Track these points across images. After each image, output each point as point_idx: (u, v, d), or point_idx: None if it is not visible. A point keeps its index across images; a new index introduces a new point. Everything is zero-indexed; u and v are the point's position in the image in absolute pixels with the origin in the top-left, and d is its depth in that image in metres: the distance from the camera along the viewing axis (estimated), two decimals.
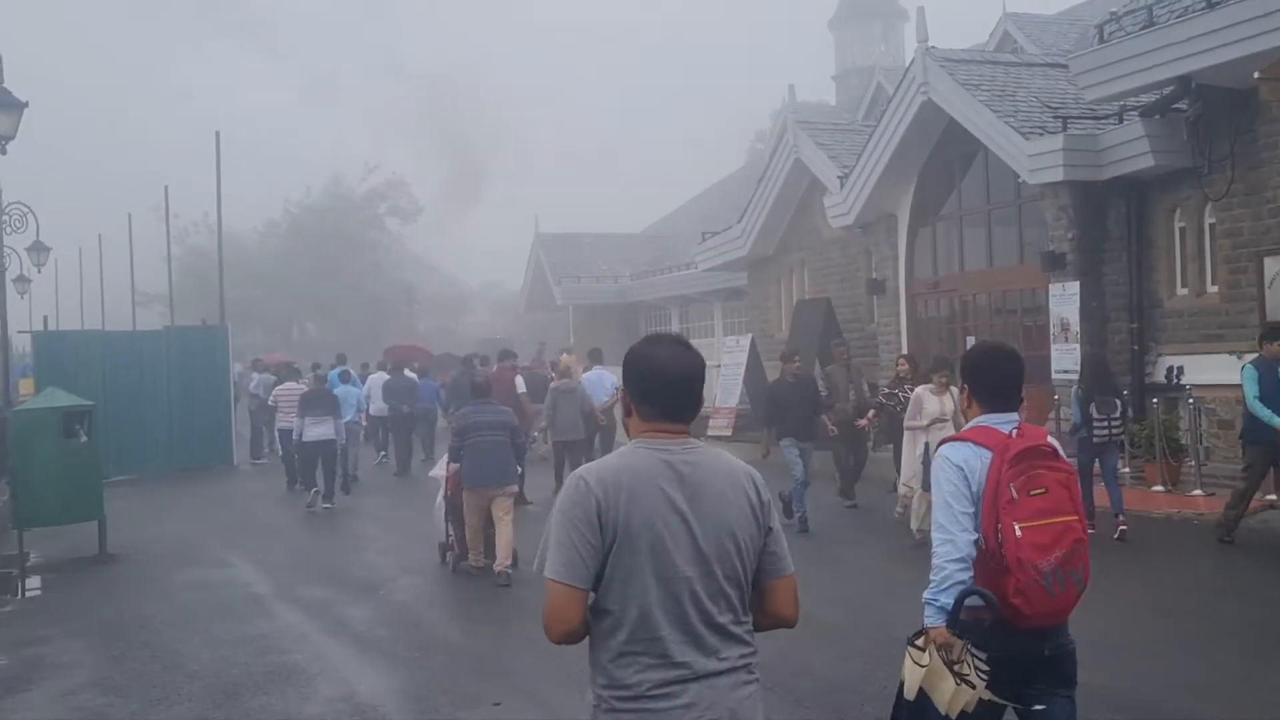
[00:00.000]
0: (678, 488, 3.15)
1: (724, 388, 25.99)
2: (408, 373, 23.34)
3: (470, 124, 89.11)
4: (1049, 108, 18.12)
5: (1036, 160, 16.78)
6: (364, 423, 21.96)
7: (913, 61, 19.60)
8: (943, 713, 3.94)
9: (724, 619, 3.15)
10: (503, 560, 10.92)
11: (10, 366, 25.56)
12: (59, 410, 13.43)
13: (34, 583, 12.19)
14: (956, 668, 3.93)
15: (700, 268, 29.93)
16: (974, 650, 3.98)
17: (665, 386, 3.27)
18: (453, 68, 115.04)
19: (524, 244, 44.39)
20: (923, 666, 3.99)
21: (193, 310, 61.71)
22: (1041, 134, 17.05)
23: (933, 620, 4.04)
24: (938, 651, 3.98)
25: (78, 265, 45.33)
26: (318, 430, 16.90)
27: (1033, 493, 4.00)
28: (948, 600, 4.01)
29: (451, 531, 11.57)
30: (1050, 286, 17.41)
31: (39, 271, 25.18)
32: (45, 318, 22.83)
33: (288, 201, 63.79)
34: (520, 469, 12.24)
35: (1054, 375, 17.13)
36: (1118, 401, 12.20)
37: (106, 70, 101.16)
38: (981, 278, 19.78)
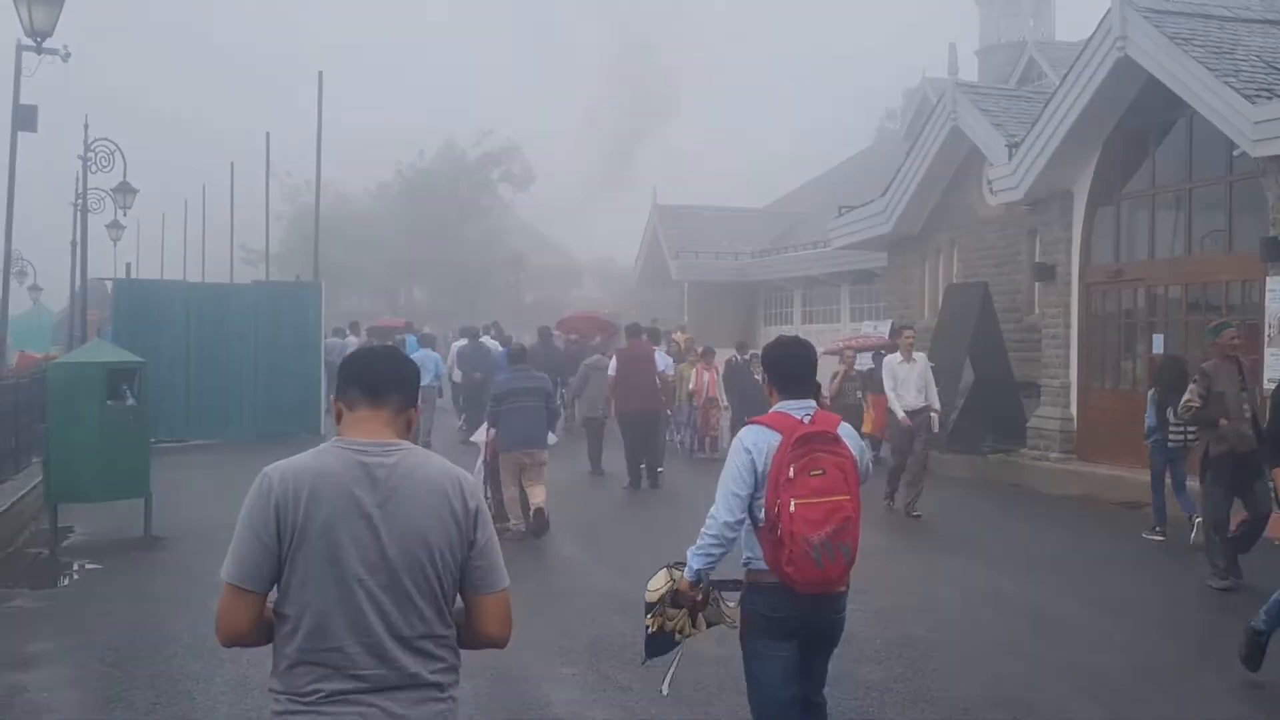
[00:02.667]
0: (369, 490, 3.07)
1: (824, 378, 23.51)
2: (486, 340, 22.26)
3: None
4: (1275, 69, 15.31)
5: (1264, 128, 14.01)
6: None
7: (1108, 12, 16.82)
8: (653, 628, 4.75)
9: (412, 631, 3.06)
10: (538, 504, 11.56)
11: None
12: (103, 366, 11.56)
13: (59, 570, 10.24)
14: (704, 611, 4.70)
15: (835, 245, 27.36)
16: (724, 601, 4.77)
17: (363, 371, 3.24)
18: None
19: (639, 218, 42.18)
20: (652, 590, 4.77)
21: (299, 270, 61.15)
22: (1270, 98, 14.27)
23: (688, 574, 4.65)
24: (680, 594, 4.67)
25: (183, 218, 44.07)
26: None
27: (812, 473, 4.36)
28: (696, 564, 4.61)
29: (490, 495, 11.56)
30: (1268, 280, 14.64)
31: (123, 215, 23.60)
32: (128, 265, 21.17)
33: (400, 163, 62.53)
34: (554, 436, 12.50)
35: (1266, 383, 14.36)
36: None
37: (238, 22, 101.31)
38: (1175, 267, 17.01)
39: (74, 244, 27.32)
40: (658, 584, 4.76)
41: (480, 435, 12.09)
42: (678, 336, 25.85)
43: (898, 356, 14.42)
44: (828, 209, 36.48)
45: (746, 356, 20.07)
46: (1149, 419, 12.60)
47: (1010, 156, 19.22)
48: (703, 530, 4.57)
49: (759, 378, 17.55)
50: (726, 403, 19.31)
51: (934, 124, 22.57)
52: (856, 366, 20.13)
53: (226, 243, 44.11)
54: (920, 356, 14.58)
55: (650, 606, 4.75)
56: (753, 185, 63.96)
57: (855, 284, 32.33)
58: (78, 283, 23.09)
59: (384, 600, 3.00)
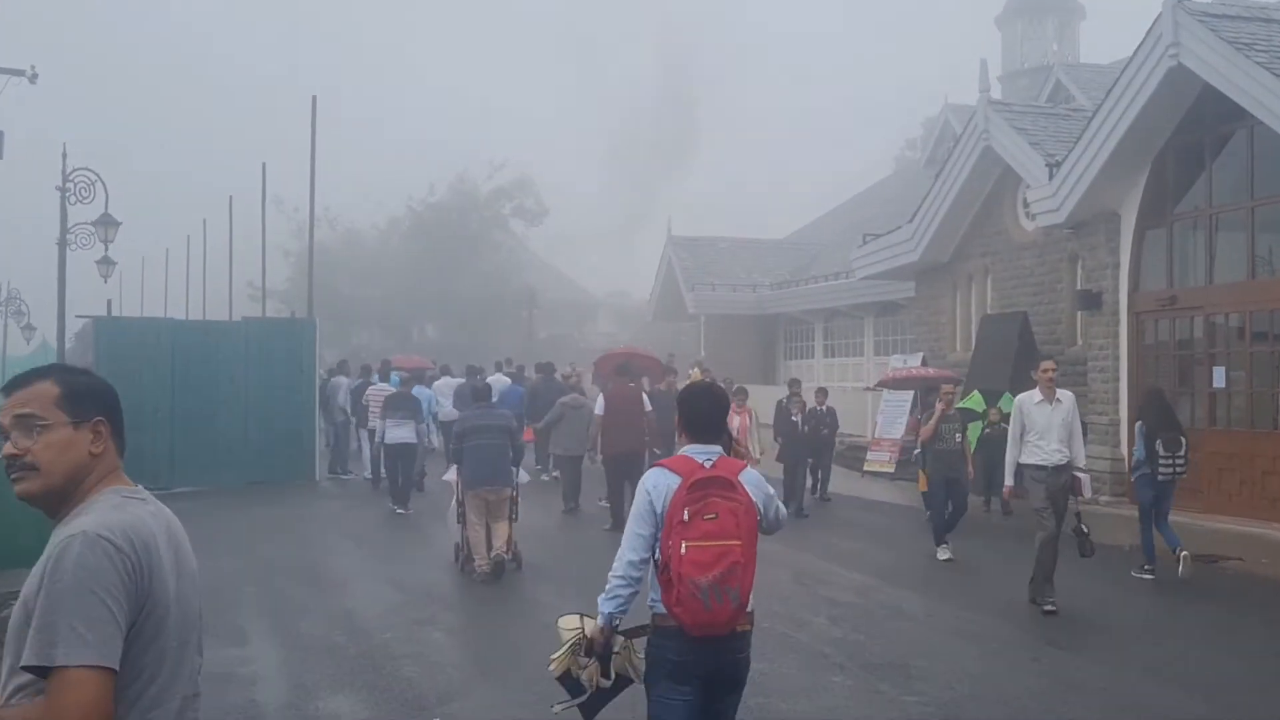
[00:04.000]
0: (168, 543, 2.84)
1: (886, 416, 22.08)
2: (497, 378, 21.87)
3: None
4: None
5: None
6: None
7: (1158, 18, 15.50)
8: (556, 672, 4.66)
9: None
10: (498, 548, 11.35)
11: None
12: None
13: None
14: (615, 657, 4.61)
15: (858, 275, 25.98)
16: (635, 652, 4.67)
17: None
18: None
19: (655, 250, 40.91)
20: (564, 633, 4.66)
21: (307, 307, 60.14)
22: None
23: (600, 620, 4.56)
24: (591, 641, 4.58)
25: (185, 253, 42.97)
26: (399, 433, 16.73)
27: (705, 517, 4.38)
28: (607, 609, 4.54)
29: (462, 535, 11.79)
30: None
31: (107, 248, 22.33)
32: (109, 301, 19.89)
33: (411, 198, 61.56)
34: (518, 472, 12.26)
35: None
36: (1183, 439, 11.87)
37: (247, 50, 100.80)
38: (1236, 292, 15.60)
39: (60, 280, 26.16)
40: (571, 624, 4.68)
41: (451, 474, 12.11)
42: (695, 373, 24.19)
43: (1035, 395, 10.58)
44: (848, 239, 35.20)
45: (824, 407, 18.29)
46: (1137, 452, 12.25)
47: (1051, 176, 17.88)
48: (609, 574, 4.56)
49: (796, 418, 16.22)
50: (756, 450, 16.13)
51: (964, 145, 21.23)
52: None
53: (234, 279, 42.91)
54: (1067, 396, 10.59)
55: (567, 647, 4.67)
56: (771, 217, 63.06)
57: (880, 316, 30.96)
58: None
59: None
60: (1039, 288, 20.31)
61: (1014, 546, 12.96)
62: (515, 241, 63.24)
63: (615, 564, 4.56)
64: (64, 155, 19.56)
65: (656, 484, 4.56)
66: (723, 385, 16.76)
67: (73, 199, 19.53)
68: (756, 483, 4.72)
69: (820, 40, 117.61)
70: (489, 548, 11.51)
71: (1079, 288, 18.57)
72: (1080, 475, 10.33)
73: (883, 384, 19.95)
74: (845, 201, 45.59)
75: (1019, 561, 11.62)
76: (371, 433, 19.00)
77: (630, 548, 4.54)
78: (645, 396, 16.59)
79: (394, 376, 19.96)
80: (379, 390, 19.21)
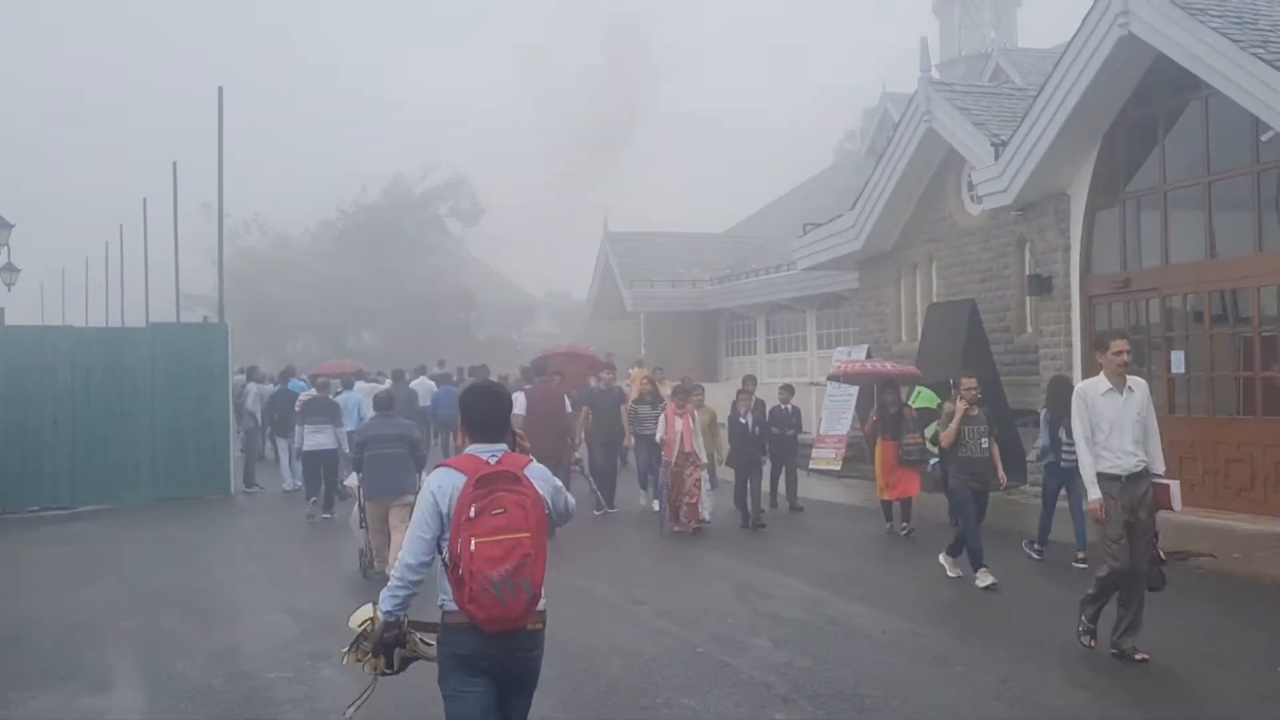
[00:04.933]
0: None
1: (831, 411, 21.21)
2: (423, 380, 21.75)
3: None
4: None
5: None
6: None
7: None
8: (348, 665, 4.74)
9: None
10: (392, 562, 10.35)
11: None
12: None
13: None
14: (398, 650, 4.66)
15: (800, 266, 25.09)
16: (425, 641, 4.69)
17: None
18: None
19: (594, 248, 39.84)
20: (353, 625, 4.65)
21: (240, 316, 58.47)
22: None
23: (380, 616, 4.60)
24: (376, 636, 4.60)
25: (103, 261, 41.30)
26: (317, 439, 16.30)
27: (493, 512, 4.41)
28: (386, 606, 4.60)
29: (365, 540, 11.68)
30: None
31: (8, 256, 20.97)
32: (2, 309, 18.51)
33: (342, 200, 60.11)
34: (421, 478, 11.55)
35: None
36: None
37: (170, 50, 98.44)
38: (1195, 272, 14.83)
39: None
40: (363, 615, 4.69)
41: (352, 480, 11.90)
42: (634, 372, 23.03)
43: (1100, 383, 8.27)
44: (789, 232, 34.32)
45: (789, 405, 16.41)
46: (1042, 439, 12.19)
47: (996, 156, 17.07)
48: (392, 573, 4.67)
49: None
50: (703, 454, 14.78)
51: (905, 128, 20.39)
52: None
53: (161, 287, 41.21)
54: (1140, 385, 8.34)
55: (353, 642, 4.70)
56: (709, 211, 62.29)
57: (822, 309, 30.13)
58: None
59: None
60: (986, 274, 19.52)
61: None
62: (452, 243, 62.01)
63: (399, 563, 4.63)
64: None
65: (441, 484, 4.58)
66: (678, 384, 16.26)
67: None
68: (543, 476, 4.78)
69: (755, 30, 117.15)
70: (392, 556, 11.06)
71: (1028, 272, 17.79)
72: (1165, 483, 8.11)
73: (834, 377, 18.46)
74: (785, 194, 44.79)
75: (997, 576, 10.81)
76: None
77: (410, 551, 4.58)
78: (566, 397, 15.81)
79: (296, 382, 18.90)
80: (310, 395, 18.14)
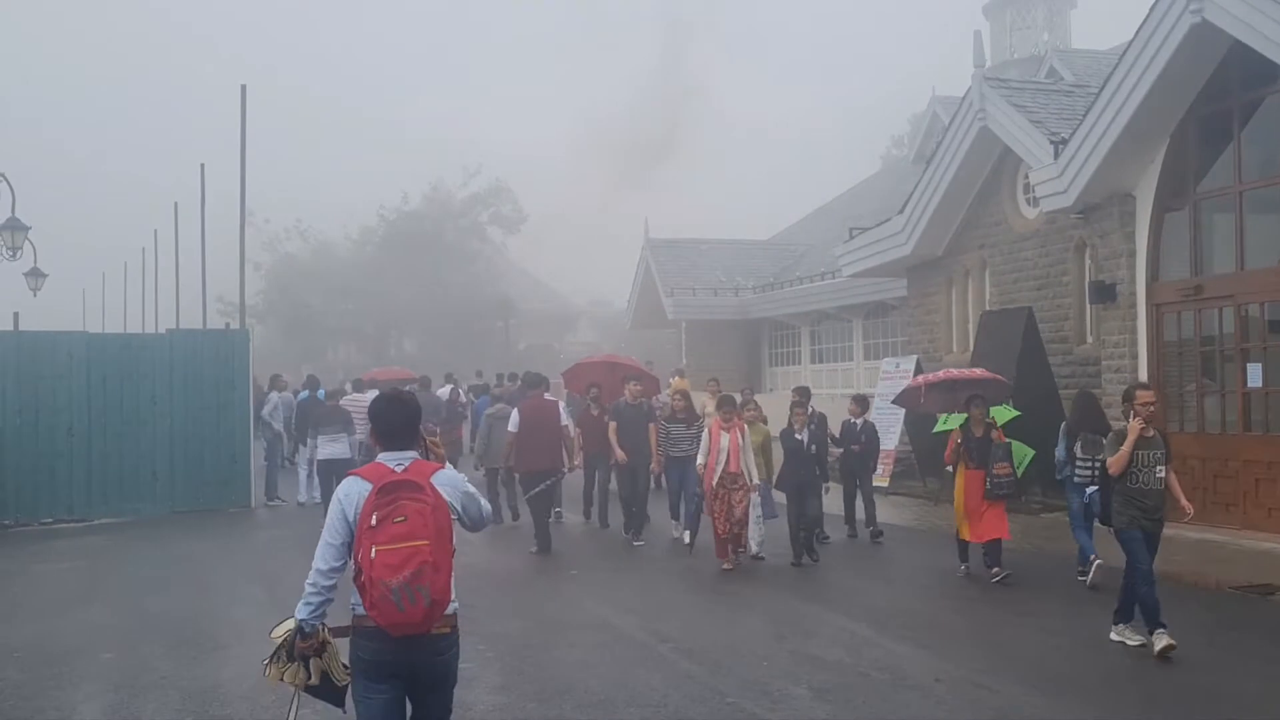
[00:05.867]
0: None
1: (879, 424, 20.15)
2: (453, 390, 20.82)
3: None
4: None
5: None
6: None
7: None
8: (272, 681, 4.81)
9: None
10: None
11: None
12: None
13: None
14: (313, 661, 4.73)
15: (846, 273, 24.09)
16: (338, 657, 4.81)
17: None
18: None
19: (634, 254, 38.98)
20: (274, 637, 4.79)
21: (282, 323, 58.13)
22: None
23: (295, 625, 4.71)
24: (293, 648, 4.71)
25: (140, 269, 40.90)
26: (332, 448, 16.09)
27: (395, 520, 4.46)
28: (300, 614, 4.69)
29: None
30: None
31: (12, 256, 20.36)
32: (16, 314, 17.88)
33: (383, 207, 59.59)
34: None
35: None
36: (1104, 441, 10.14)
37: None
38: (1273, 278, 13.71)
39: None
40: (284, 629, 4.77)
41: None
42: (675, 382, 22.04)
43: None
44: (834, 239, 33.36)
45: (860, 419, 15.16)
46: (1058, 453, 11.58)
47: (1056, 155, 16.03)
48: (306, 583, 4.72)
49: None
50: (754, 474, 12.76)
51: (958, 127, 19.36)
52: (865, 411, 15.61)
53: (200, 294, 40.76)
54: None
55: (273, 653, 4.77)
56: (753, 219, 61.29)
57: (869, 318, 29.14)
58: None
59: None
60: (1043, 281, 18.44)
61: (1038, 588, 11.12)
62: (493, 250, 61.38)
63: (311, 571, 4.69)
64: None
65: (349, 492, 4.66)
66: (732, 397, 13.79)
67: None
68: (452, 482, 4.85)
69: (802, 36, 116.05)
70: None
71: (1089, 279, 16.72)
72: None
73: (903, 401, 15.27)
74: (831, 201, 43.76)
75: (1044, 612, 9.83)
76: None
77: (321, 557, 4.67)
78: (563, 410, 15.09)
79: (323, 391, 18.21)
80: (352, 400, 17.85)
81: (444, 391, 22.39)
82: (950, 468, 12.59)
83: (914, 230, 20.78)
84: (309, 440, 16.75)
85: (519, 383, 19.26)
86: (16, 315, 17.85)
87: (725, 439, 12.46)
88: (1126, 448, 8.70)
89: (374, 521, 4.47)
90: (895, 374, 20.46)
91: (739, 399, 14.33)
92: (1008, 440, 12.02)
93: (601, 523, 15.63)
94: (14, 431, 17.66)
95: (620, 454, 14.82)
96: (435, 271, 56.08)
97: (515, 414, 14.79)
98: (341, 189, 65.35)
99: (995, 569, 11.50)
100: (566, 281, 65.80)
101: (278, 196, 59.66)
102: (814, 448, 13.30)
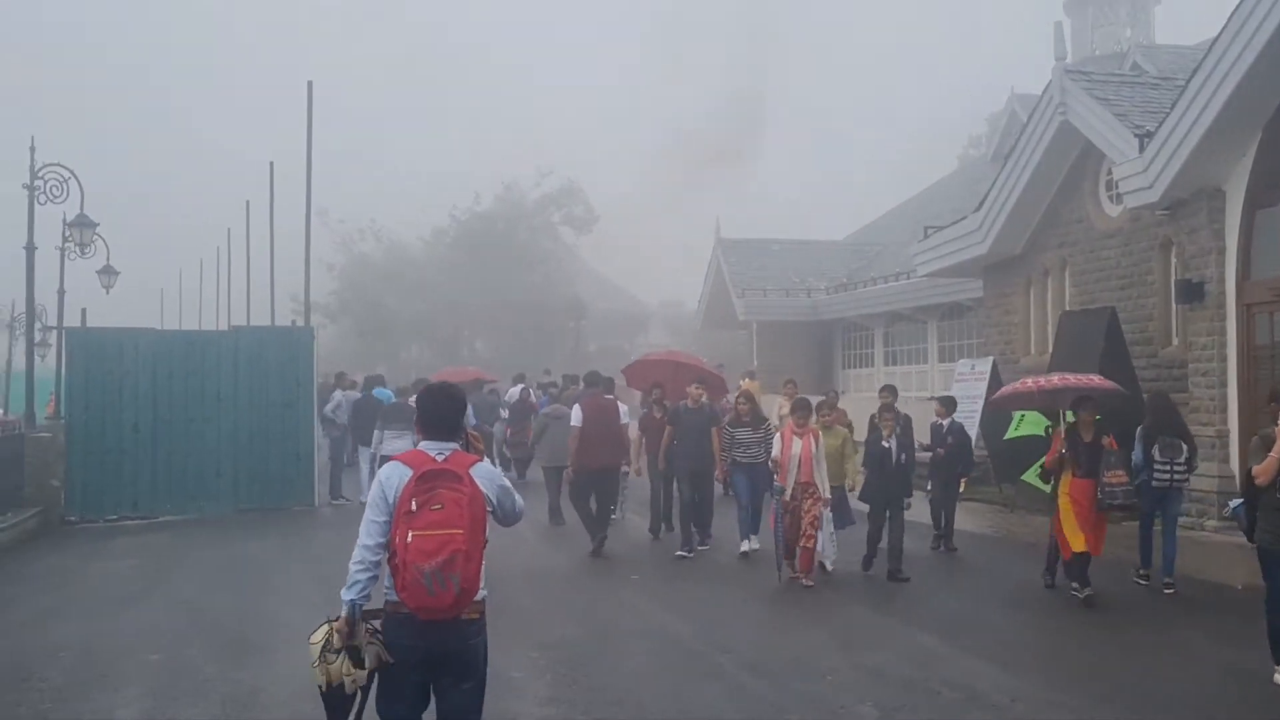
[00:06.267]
0: None
1: None
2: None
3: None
4: None
5: None
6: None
7: None
8: (322, 682, 4.75)
9: None
10: None
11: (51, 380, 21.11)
12: None
13: None
14: (360, 650, 4.74)
15: (921, 272, 23.54)
16: (379, 638, 4.81)
17: None
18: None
19: (705, 254, 38.57)
20: (313, 642, 4.79)
21: (356, 323, 58.43)
22: None
23: (343, 610, 4.76)
24: (337, 635, 4.74)
25: (215, 269, 41.23)
26: (396, 444, 15.46)
27: (432, 507, 4.63)
28: (348, 597, 4.76)
29: None
30: None
31: (80, 252, 20.47)
32: (83, 310, 17.89)
33: (455, 207, 59.69)
34: None
35: None
36: (1183, 445, 10.97)
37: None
38: None
39: (60, 292, 24.45)
40: (318, 636, 4.80)
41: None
42: (745, 384, 21.42)
43: None
44: (908, 240, 32.73)
45: (947, 421, 14.03)
46: (1136, 457, 11.08)
47: (1141, 149, 15.40)
48: (350, 564, 4.79)
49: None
50: (826, 485, 11.83)
51: (1038, 121, 18.75)
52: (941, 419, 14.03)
53: (277, 294, 40.95)
54: None
55: (320, 654, 4.75)
56: (826, 219, 60.51)
57: (944, 319, 28.48)
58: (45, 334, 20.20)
59: None
60: (1126, 280, 17.77)
61: (1122, 601, 10.57)
62: (565, 250, 61.24)
63: (354, 552, 4.79)
64: (32, 150, 17.63)
65: (389, 476, 4.83)
66: (806, 401, 12.71)
67: (43, 198, 17.61)
68: (490, 475, 5.00)
69: (879, 35, 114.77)
70: None
71: (1176, 278, 16.06)
72: None
73: (1000, 402, 13.36)
74: (906, 201, 43.09)
75: (1128, 626, 9.30)
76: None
77: (366, 533, 4.79)
78: (623, 407, 14.63)
79: (381, 390, 18.04)
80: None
81: (515, 391, 22.12)
82: (1036, 476, 11.94)
83: (991, 228, 20.18)
84: (374, 438, 16.43)
85: (580, 384, 19.06)
86: (84, 311, 17.85)
87: (798, 446, 11.65)
88: (1275, 456, 7.67)
89: (412, 507, 4.62)
90: (970, 376, 19.88)
91: (817, 402, 13.59)
92: (1118, 448, 10.84)
93: (665, 527, 15.03)
94: (81, 428, 17.70)
95: (661, 461, 14.48)
96: (507, 272, 56.03)
97: (577, 410, 14.46)
98: (415, 189, 65.50)
99: (1077, 584, 10.58)
100: (638, 282, 65.61)
101: (351, 197, 60.21)
102: (903, 456, 12.27)
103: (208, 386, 18.32)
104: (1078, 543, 10.49)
